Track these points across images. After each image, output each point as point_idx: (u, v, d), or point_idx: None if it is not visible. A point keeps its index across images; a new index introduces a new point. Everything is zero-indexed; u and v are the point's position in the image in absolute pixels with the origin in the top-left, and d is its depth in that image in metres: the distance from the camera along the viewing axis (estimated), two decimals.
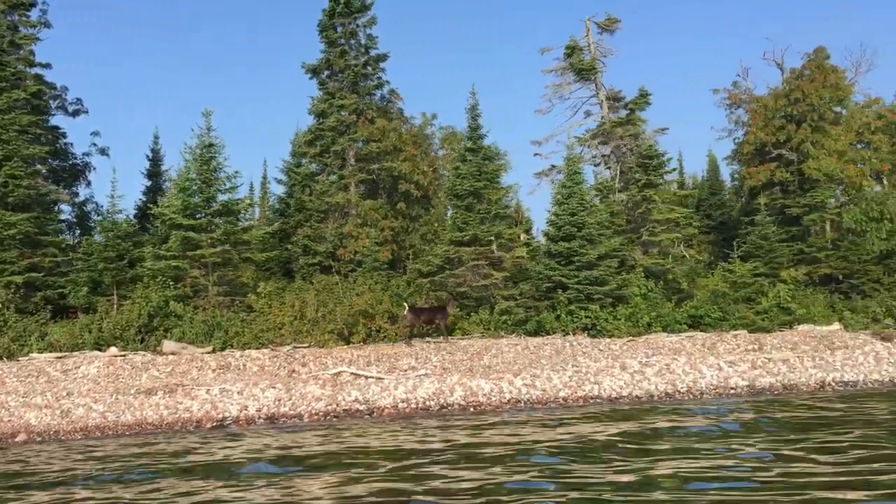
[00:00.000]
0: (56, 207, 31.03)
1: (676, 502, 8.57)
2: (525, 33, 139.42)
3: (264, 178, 50.13)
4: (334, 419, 16.47)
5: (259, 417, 16.35)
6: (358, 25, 32.73)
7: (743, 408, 16.94)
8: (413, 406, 17.35)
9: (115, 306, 24.68)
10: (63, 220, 33.21)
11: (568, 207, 26.96)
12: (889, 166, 37.82)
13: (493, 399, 17.97)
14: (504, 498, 8.92)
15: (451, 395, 17.99)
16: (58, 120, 34.23)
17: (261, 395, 17.36)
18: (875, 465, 10.11)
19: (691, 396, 18.99)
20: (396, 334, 23.54)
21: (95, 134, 37.78)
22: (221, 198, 25.60)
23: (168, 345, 21.53)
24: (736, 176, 42.83)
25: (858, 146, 38.40)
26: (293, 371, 19.94)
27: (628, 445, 12.28)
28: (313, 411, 16.74)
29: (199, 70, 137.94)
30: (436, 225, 32.95)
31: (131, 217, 33.95)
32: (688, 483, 9.39)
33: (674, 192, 32.27)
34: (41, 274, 25.26)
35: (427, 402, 17.57)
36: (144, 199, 36.17)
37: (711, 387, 19.69)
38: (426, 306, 24.91)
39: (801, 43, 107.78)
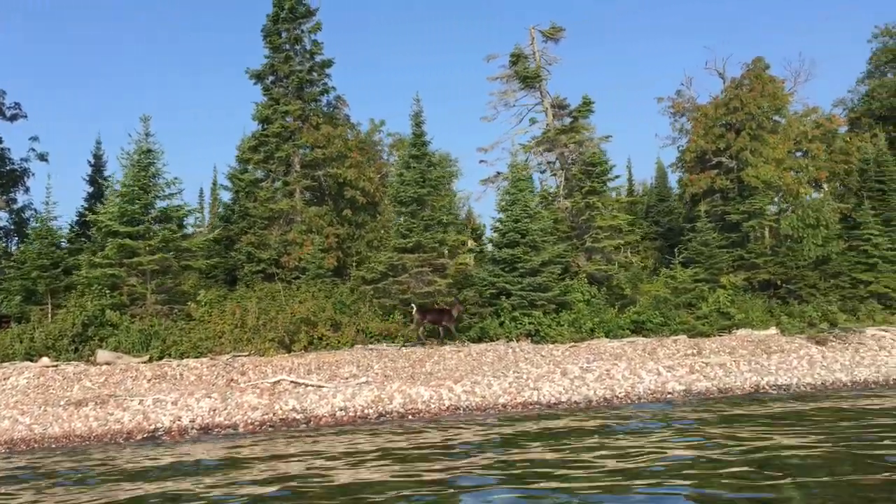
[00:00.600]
0: None
1: None
2: (474, 41, 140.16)
3: (214, 183, 49.52)
4: (270, 429, 16.28)
5: (193, 428, 16.07)
6: (303, 31, 32.49)
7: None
8: (351, 414, 17.24)
9: (49, 315, 24.07)
10: (0, 228, 32.41)
11: (512, 214, 27.08)
12: (826, 174, 38.76)
13: (433, 406, 17.95)
14: None
15: (391, 402, 17.93)
16: None
17: (195, 405, 17.07)
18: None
19: (629, 401, 19.20)
20: (339, 342, 23.35)
21: (34, 139, 37.07)
22: (160, 204, 25.12)
23: (102, 354, 21.03)
24: (680, 183, 43.55)
25: (797, 154, 39.31)
26: (232, 380, 19.64)
27: None
28: (249, 421, 16.52)
29: (148, 71, 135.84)
30: (382, 232, 32.80)
31: (73, 224, 33.30)
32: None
33: (617, 198, 32.61)
34: None
35: (366, 411, 17.48)
36: (86, 206, 35.42)
37: (649, 391, 19.94)
38: (435, 308, 25.00)
39: (743, 53, 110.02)
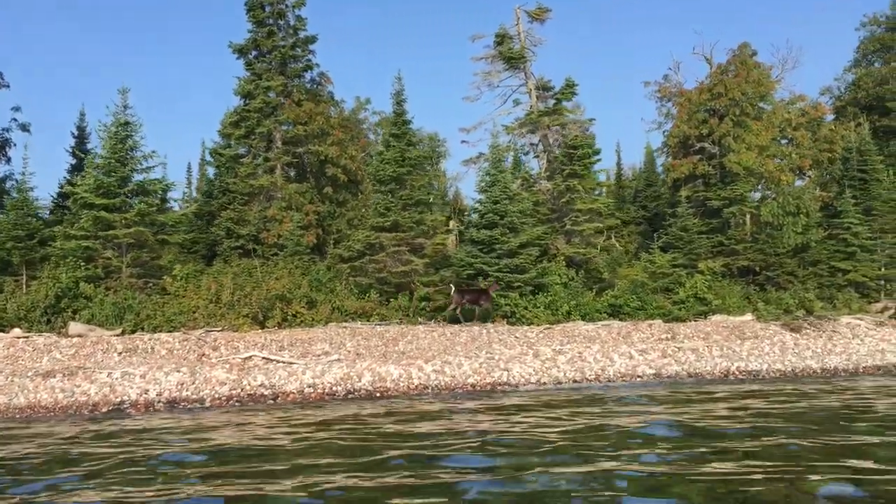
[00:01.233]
0: None
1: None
2: (465, 20, 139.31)
3: (202, 159, 49.32)
4: (237, 404, 16.29)
5: (159, 401, 16.04)
6: (286, 6, 32.28)
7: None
8: (319, 391, 17.25)
9: (23, 287, 23.97)
10: None
11: (491, 195, 27.08)
12: (810, 162, 38.87)
13: (401, 385, 17.97)
14: None
15: (360, 380, 17.95)
16: None
17: (164, 378, 17.04)
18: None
19: (599, 384, 19.28)
20: (313, 319, 23.37)
21: (16, 109, 36.71)
22: (138, 178, 25.00)
23: (75, 327, 20.99)
24: (663, 168, 43.63)
25: (782, 142, 39.37)
26: (203, 355, 19.63)
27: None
28: (216, 395, 16.51)
29: (138, 41, 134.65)
30: (363, 210, 32.75)
31: (54, 196, 33.09)
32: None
33: (597, 182, 32.59)
34: None
35: (334, 388, 17.49)
36: (68, 179, 35.18)
37: (619, 374, 20.02)
38: (472, 288, 25.32)
39: (733, 39, 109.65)
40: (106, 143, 24.57)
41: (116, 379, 16.90)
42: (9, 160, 36.14)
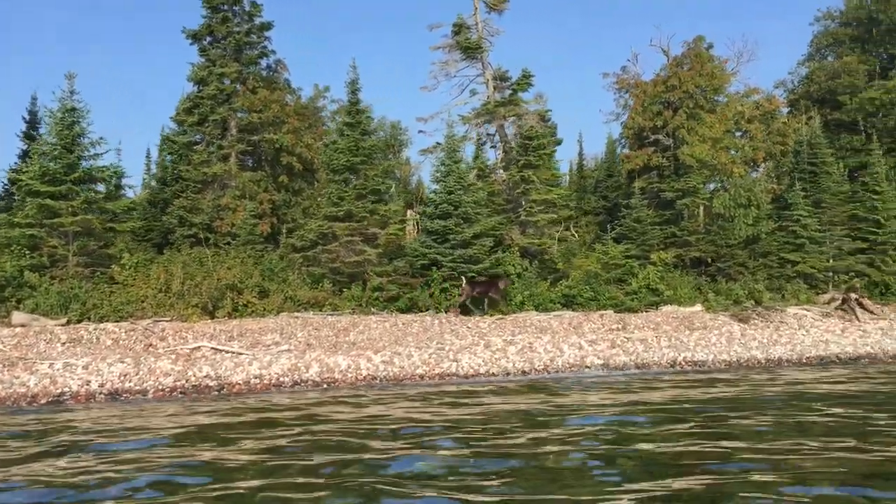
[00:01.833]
0: None
1: None
2: (427, 10, 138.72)
3: (162, 145, 48.39)
4: (181, 395, 16.16)
5: (101, 393, 15.85)
6: None
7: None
8: (266, 382, 17.18)
9: None
10: None
11: (446, 185, 27.09)
12: (763, 154, 39.40)
13: (349, 375, 17.98)
14: None
15: (307, 371, 17.90)
16: None
17: (107, 369, 16.82)
18: None
19: (547, 374, 19.47)
20: (265, 309, 23.21)
21: None
22: (85, 164, 24.54)
23: (18, 316, 20.60)
24: (618, 159, 43.92)
25: (737, 134, 39.86)
26: (150, 345, 19.42)
27: None
28: (160, 387, 16.35)
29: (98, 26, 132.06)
30: (319, 199, 32.51)
31: (4, 182, 32.38)
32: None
33: (553, 172, 32.73)
34: None
35: (281, 378, 17.43)
36: (17, 165, 34.44)
37: (567, 365, 20.22)
38: (483, 280, 25.76)
39: (691, 31, 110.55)
40: (52, 129, 24.10)
41: (58, 370, 16.65)
42: None
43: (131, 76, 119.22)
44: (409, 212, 34.96)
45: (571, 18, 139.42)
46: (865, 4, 47.83)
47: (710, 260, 33.14)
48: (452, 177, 27.09)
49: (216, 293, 22.69)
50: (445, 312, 24.97)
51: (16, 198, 28.55)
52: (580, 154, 53.86)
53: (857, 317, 29.13)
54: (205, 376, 17.14)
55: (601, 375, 19.47)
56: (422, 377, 18.40)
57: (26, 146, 35.41)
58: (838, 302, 30.48)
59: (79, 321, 21.24)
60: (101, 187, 25.81)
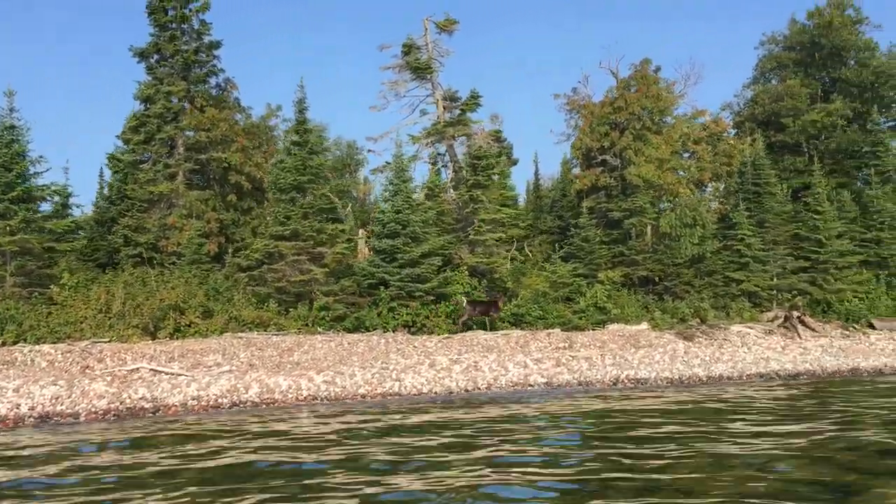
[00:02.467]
0: None
1: None
2: (374, 31, 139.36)
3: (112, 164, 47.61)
4: (114, 418, 15.86)
5: (31, 416, 15.49)
6: (190, 10, 31.53)
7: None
8: (203, 403, 16.96)
9: None
10: None
11: (394, 205, 27.12)
12: (710, 175, 40.12)
13: (290, 396, 17.85)
14: None
15: (247, 392, 17.73)
16: None
17: (38, 392, 16.47)
18: None
19: (490, 393, 19.50)
20: (208, 329, 22.92)
21: None
22: (25, 184, 24.07)
23: None
24: (567, 179, 44.36)
25: (685, 155, 40.54)
26: (87, 367, 19.04)
27: None
28: (92, 410, 16.04)
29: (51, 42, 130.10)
30: (268, 219, 32.28)
31: None
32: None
33: (502, 192, 32.93)
34: None
35: (220, 400, 17.23)
36: None
37: (511, 384, 20.31)
38: (483, 301, 26.98)
39: (639, 53, 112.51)
40: None
41: None
42: None
43: (87, 91, 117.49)
44: (360, 231, 34.87)
45: (529, 40, 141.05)
46: (808, 29, 49.06)
47: (657, 279, 33.55)
48: (401, 196, 27.14)
49: (158, 313, 22.37)
50: (393, 332, 24.91)
51: None
52: (536, 174, 54.29)
53: (798, 334, 29.74)
54: (140, 398, 16.86)
55: (540, 394, 19.56)
56: (363, 397, 18.32)
57: None
58: (781, 320, 31.10)
59: (14, 342, 20.75)
60: (44, 206, 25.42)
